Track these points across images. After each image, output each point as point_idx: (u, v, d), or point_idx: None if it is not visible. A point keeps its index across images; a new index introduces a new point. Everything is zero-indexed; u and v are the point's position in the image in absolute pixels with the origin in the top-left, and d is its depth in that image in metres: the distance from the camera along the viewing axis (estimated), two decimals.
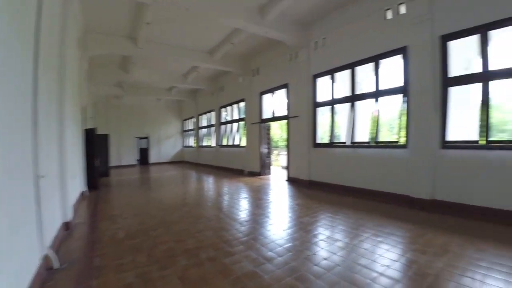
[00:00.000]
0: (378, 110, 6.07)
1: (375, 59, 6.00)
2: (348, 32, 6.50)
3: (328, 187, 6.99)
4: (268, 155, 10.48)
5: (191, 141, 17.99)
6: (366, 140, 6.38)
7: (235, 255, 3.05)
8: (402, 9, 5.36)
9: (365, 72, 6.45)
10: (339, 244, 3.30)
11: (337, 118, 7.18)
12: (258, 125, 10.10)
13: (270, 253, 3.07)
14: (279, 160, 14.85)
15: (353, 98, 6.62)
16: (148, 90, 14.81)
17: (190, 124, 18.15)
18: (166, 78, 12.40)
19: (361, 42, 6.23)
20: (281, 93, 9.18)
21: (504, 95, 4.39)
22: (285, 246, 3.28)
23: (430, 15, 4.91)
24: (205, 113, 15.44)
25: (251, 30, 6.95)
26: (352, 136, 6.65)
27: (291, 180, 8.42)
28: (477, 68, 4.52)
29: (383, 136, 6.31)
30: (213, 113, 14.32)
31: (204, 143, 15.83)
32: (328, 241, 3.41)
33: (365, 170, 6.12)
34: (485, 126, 4.38)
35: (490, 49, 4.36)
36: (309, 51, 7.60)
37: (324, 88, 7.52)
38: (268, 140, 10.43)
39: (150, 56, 8.96)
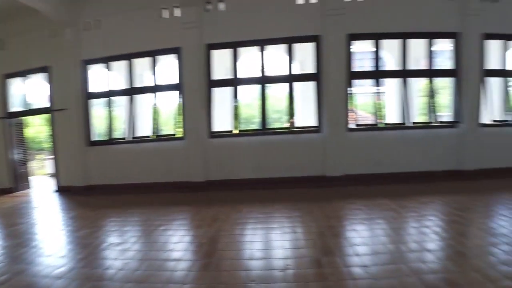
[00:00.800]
0: (157, 104, 6.29)
1: (153, 54, 6.13)
2: (126, 20, 6.08)
3: (111, 189, 6.29)
4: (25, 162, 7.71)
5: None
6: (148, 134, 6.42)
7: None
8: (177, 12, 5.71)
9: (143, 65, 6.40)
10: (124, 246, 3.09)
11: (116, 112, 6.62)
12: (3, 122, 7.08)
13: None
14: (45, 167, 11.45)
15: (132, 91, 6.36)
16: None
17: None
18: None
19: (139, 34, 6.04)
20: (40, 78, 6.99)
21: (249, 97, 6.15)
22: (53, 274, 2.56)
23: (199, 24, 5.69)
24: None
25: None
26: (133, 131, 6.43)
27: (62, 190, 6.72)
28: (231, 75, 5.90)
29: (166, 130, 6.65)
30: None
31: None
32: (111, 248, 3.10)
33: (148, 164, 6.17)
34: (237, 119, 5.89)
35: (239, 62, 5.85)
36: (78, 31, 6.28)
37: (99, 78, 6.65)
38: (23, 141, 7.65)
39: None
